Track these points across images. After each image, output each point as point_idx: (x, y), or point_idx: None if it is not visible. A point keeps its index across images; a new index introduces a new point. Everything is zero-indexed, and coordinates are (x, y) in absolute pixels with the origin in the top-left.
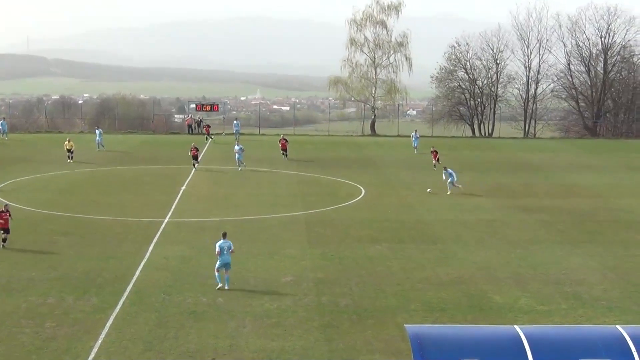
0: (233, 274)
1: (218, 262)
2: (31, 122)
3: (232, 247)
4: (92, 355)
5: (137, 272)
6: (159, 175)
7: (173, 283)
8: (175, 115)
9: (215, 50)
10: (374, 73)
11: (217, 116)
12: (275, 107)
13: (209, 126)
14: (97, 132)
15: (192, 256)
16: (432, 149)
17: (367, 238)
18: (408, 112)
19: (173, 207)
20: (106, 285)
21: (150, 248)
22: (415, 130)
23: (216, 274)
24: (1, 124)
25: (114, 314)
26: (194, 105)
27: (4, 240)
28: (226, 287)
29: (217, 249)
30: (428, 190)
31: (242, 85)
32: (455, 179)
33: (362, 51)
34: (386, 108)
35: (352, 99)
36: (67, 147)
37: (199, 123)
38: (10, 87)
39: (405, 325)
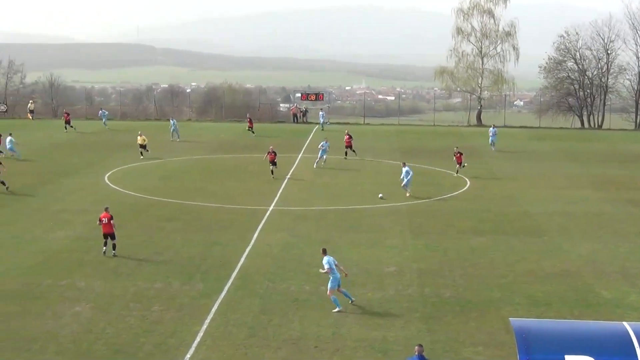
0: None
1: (333, 282)
2: (140, 110)
3: (336, 262)
4: (198, 339)
5: (242, 259)
6: (263, 164)
7: (276, 270)
8: (281, 104)
9: (320, 39)
10: (480, 63)
11: (322, 105)
12: (380, 96)
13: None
14: (171, 122)
15: (295, 244)
16: (456, 151)
17: (471, 229)
18: (515, 102)
19: (277, 195)
20: (211, 271)
21: (255, 235)
22: (493, 125)
23: (332, 297)
24: (102, 113)
25: (219, 300)
26: (299, 95)
27: (114, 247)
28: (353, 299)
29: (327, 266)
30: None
31: (347, 74)
32: (407, 181)
33: (469, 41)
34: (492, 98)
35: (458, 89)
36: (140, 142)
37: (304, 112)
38: (120, 76)
39: (509, 318)
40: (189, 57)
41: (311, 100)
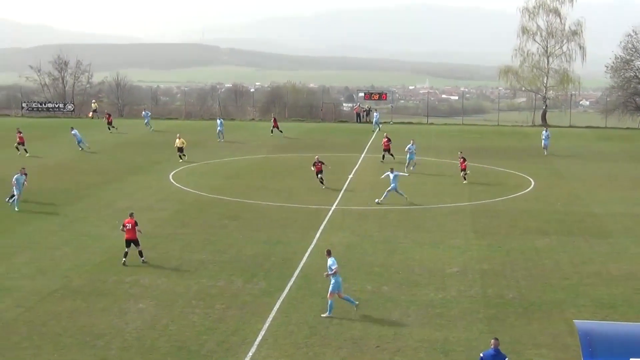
0: (398, 262)
1: (335, 285)
2: (205, 110)
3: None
4: (260, 337)
5: (304, 258)
6: (326, 163)
7: (338, 269)
8: (344, 104)
9: (385, 38)
10: (546, 62)
11: (385, 105)
12: (444, 96)
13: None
14: (218, 122)
15: (357, 243)
16: (459, 156)
17: (535, 230)
18: (581, 102)
19: (340, 194)
20: (274, 269)
21: (317, 234)
22: (546, 129)
23: (330, 301)
24: (145, 114)
25: (281, 298)
26: (362, 94)
27: (140, 254)
28: (356, 303)
29: (335, 266)
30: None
31: (410, 74)
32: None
33: (534, 40)
34: (558, 98)
35: (523, 88)
36: (179, 145)
37: (367, 112)
38: (185, 75)
39: (574, 321)
40: (253, 57)
41: (374, 99)
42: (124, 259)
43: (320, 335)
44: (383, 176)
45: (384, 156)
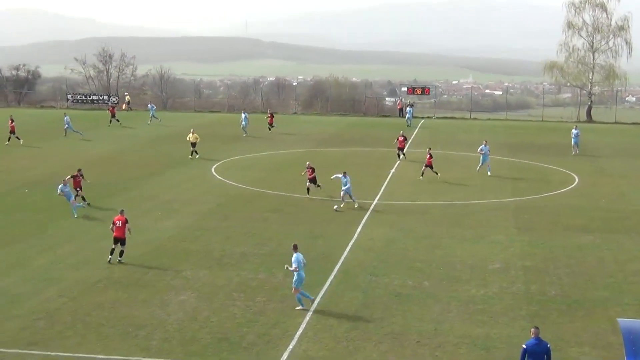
0: (439, 258)
1: (298, 280)
2: (247, 103)
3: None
4: (300, 331)
5: (345, 252)
6: (368, 157)
7: (379, 264)
8: (387, 98)
9: (427, 33)
10: (591, 58)
11: (428, 99)
12: (487, 91)
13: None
14: (242, 116)
15: (398, 239)
16: (428, 151)
17: (578, 227)
18: (627, 98)
19: (382, 189)
20: (314, 263)
21: (359, 229)
22: (576, 126)
23: (297, 295)
24: (150, 107)
25: (322, 292)
26: (405, 88)
27: (121, 254)
28: (312, 297)
29: (295, 264)
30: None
31: (453, 68)
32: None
33: (580, 35)
34: (603, 94)
35: (568, 84)
36: (192, 140)
37: (410, 106)
38: (228, 69)
39: (617, 319)
40: (296, 51)
41: (417, 94)
42: (109, 257)
43: (361, 330)
44: (333, 177)
45: (399, 155)
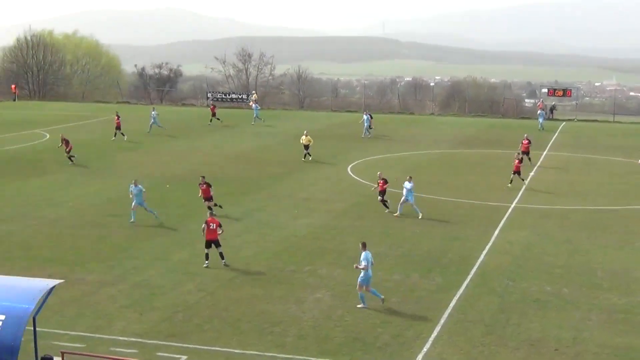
0: (579, 264)
1: (363, 278)
2: (384, 103)
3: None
4: (435, 333)
5: (482, 256)
6: (507, 159)
7: (516, 269)
8: (526, 100)
9: (569, 33)
10: None
11: (569, 102)
12: (632, 93)
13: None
14: (364, 117)
15: (536, 243)
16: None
17: None
18: None
19: (520, 192)
20: (450, 265)
21: (496, 232)
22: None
23: (360, 293)
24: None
25: (457, 295)
26: (545, 90)
27: (222, 256)
28: (382, 296)
29: (364, 262)
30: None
31: (596, 70)
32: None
33: None
34: None
35: None
36: (304, 143)
37: (552, 109)
38: (365, 69)
39: None
40: (434, 51)
41: (558, 96)
42: (206, 262)
43: (497, 335)
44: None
45: (522, 159)
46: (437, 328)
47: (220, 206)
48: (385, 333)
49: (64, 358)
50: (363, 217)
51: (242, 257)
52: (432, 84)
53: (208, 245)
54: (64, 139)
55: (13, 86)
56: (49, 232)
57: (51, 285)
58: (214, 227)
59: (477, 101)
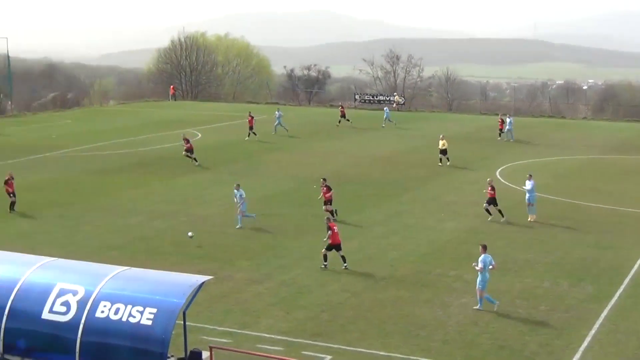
0: None
1: (482, 281)
2: (534, 107)
3: (494, 263)
4: (585, 344)
5: (636, 265)
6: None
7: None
8: None
9: None
10: None
11: None
12: None
13: None
14: (507, 120)
15: None
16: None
17: None
18: None
19: None
20: (602, 274)
21: None
22: None
23: (485, 295)
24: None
25: (609, 305)
26: None
27: (344, 259)
28: (496, 302)
29: (481, 264)
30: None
31: None
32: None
33: None
34: None
35: None
36: (440, 147)
37: None
38: (515, 71)
39: None
40: (588, 54)
41: None
42: (324, 264)
43: None
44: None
45: None
46: (588, 338)
47: (336, 212)
48: (532, 342)
49: (212, 353)
50: (512, 222)
51: (388, 259)
52: (584, 87)
53: (329, 248)
54: (185, 139)
55: (172, 87)
56: (199, 229)
57: (201, 281)
58: (337, 230)
59: (632, 105)
